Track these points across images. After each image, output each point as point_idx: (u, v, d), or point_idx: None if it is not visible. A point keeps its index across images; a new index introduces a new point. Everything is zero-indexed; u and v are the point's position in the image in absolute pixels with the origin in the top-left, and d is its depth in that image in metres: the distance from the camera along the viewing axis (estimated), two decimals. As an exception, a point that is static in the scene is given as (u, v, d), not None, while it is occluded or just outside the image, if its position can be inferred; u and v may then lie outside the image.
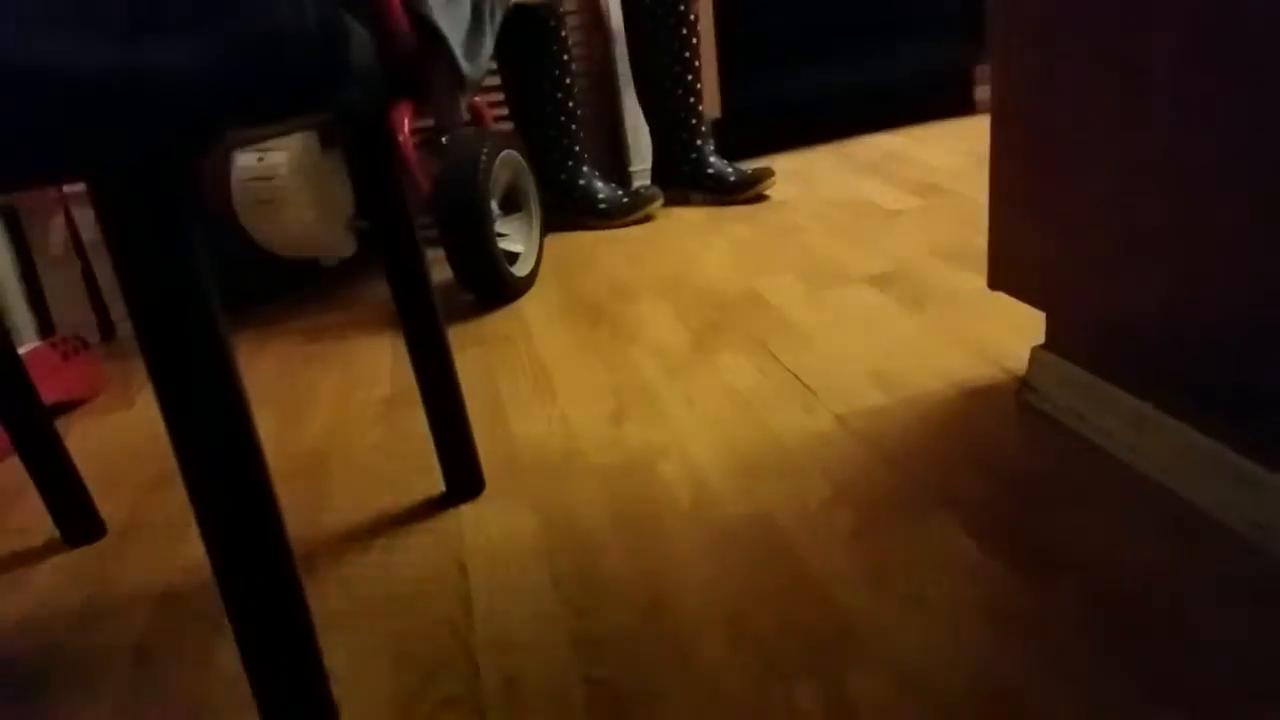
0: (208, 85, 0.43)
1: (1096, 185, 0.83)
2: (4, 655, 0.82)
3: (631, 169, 2.09)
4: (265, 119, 0.52)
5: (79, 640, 0.83)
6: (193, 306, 0.40)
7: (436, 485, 0.99)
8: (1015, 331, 1.15)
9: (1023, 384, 1.01)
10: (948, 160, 1.98)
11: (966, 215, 1.62)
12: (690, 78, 1.88)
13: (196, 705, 0.73)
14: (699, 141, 1.92)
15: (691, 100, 1.89)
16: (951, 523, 0.82)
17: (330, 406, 1.25)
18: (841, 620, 0.72)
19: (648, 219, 1.88)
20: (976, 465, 0.89)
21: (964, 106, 2.40)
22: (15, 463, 1.19)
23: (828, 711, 0.64)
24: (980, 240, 1.49)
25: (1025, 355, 1.00)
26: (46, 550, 0.98)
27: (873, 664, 0.67)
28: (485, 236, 1.44)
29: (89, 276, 1.61)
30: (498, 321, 1.46)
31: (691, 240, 1.72)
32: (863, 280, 1.40)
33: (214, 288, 0.41)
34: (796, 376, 1.13)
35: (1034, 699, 0.62)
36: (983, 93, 2.35)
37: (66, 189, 1.54)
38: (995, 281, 1.02)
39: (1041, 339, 0.98)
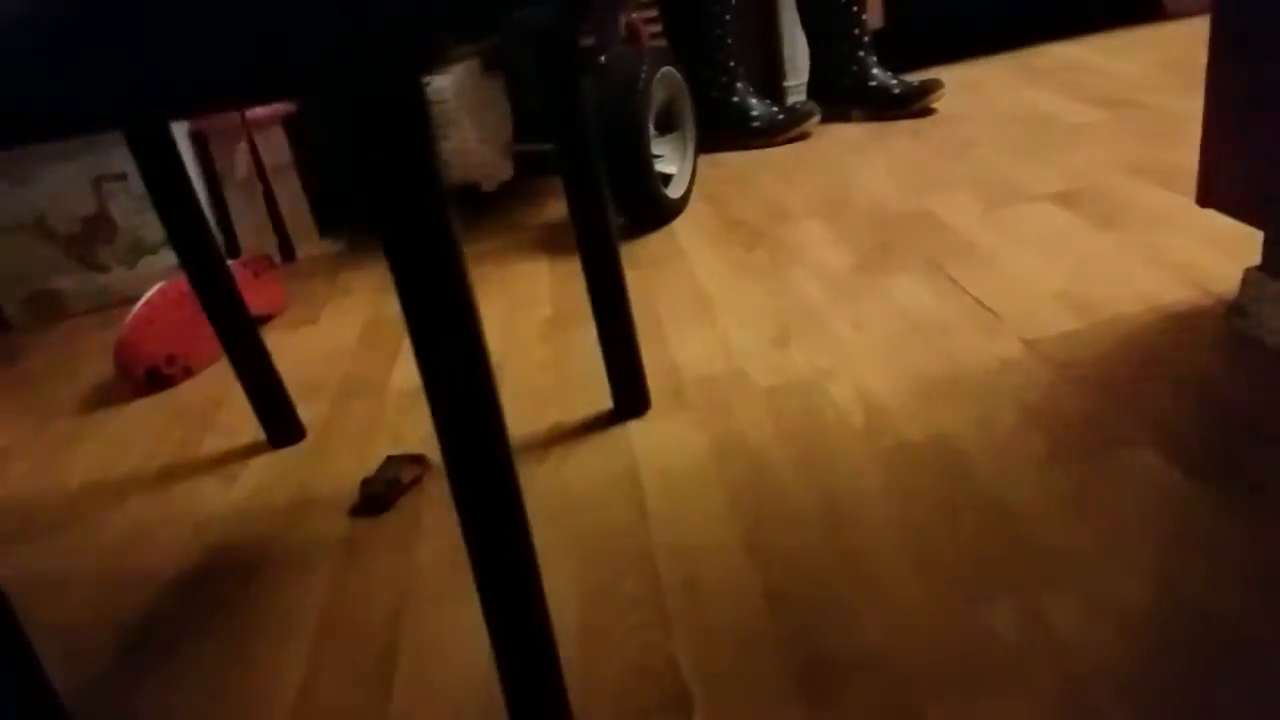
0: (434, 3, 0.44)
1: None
2: (223, 543, 0.91)
3: (786, 84, 2.02)
4: (481, 35, 0.53)
5: (289, 532, 0.90)
6: (436, 213, 0.42)
7: (603, 402, 1.01)
8: (1222, 252, 1.06)
9: (1232, 308, 0.93)
10: (1135, 70, 1.82)
11: (1160, 128, 1.49)
12: (852, -16, 1.79)
13: (402, 591, 0.79)
14: (861, 53, 1.83)
15: (854, 8, 1.80)
16: (1155, 451, 0.77)
17: (496, 327, 1.29)
18: (1034, 544, 0.70)
19: (803, 137, 1.82)
20: (1182, 393, 0.84)
21: (1152, 12, 2.19)
22: (217, 370, 1.30)
23: (1025, 634, 0.62)
24: (1176, 155, 1.37)
25: (1235, 278, 0.92)
26: (253, 450, 1.07)
27: (1070, 589, 0.65)
28: (643, 158, 1.43)
29: (270, 200, 1.71)
30: (652, 245, 1.46)
31: (852, 158, 1.66)
32: (1046, 198, 1.32)
33: (450, 195, 0.43)
34: (977, 299, 1.08)
35: (1245, 628, 0.59)
36: (1175, -5, 2.14)
37: (250, 115, 1.62)
38: (1206, 198, 0.93)
39: (1256, 260, 0.90)
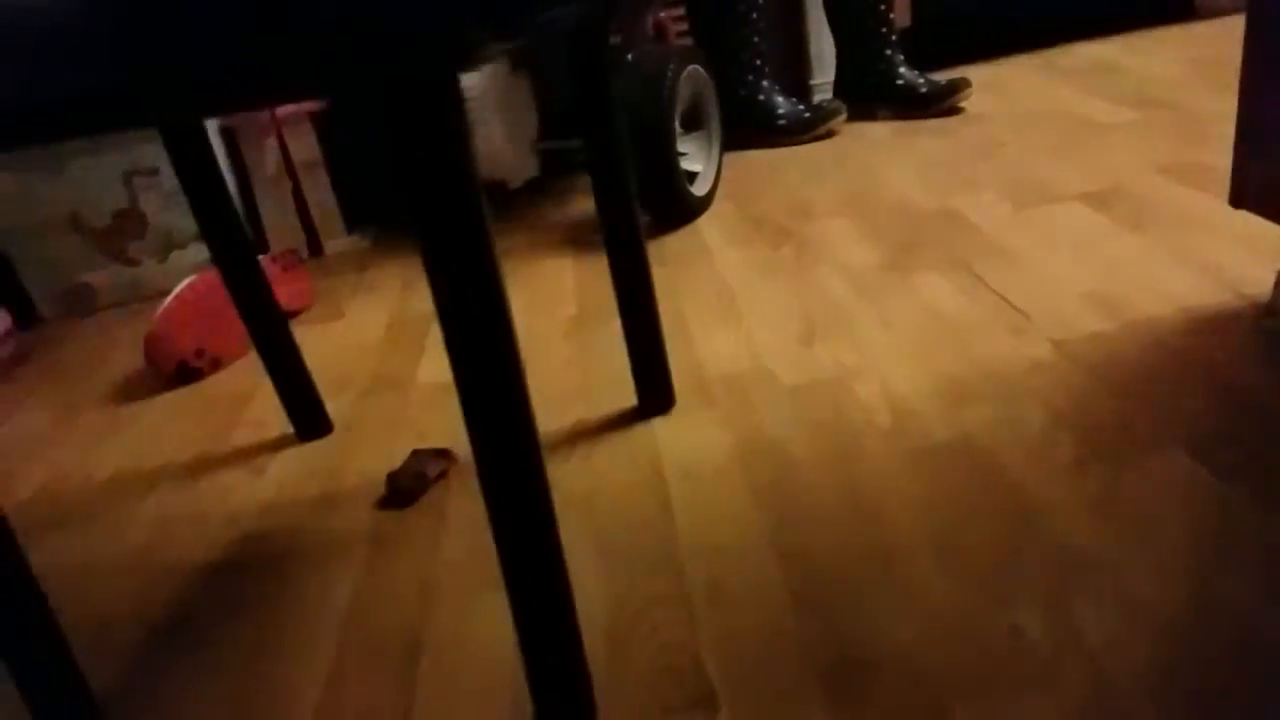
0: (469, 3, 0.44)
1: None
2: (253, 533, 0.92)
3: (813, 82, 2.02)
4: (515, 34, 0.53)
5: (316, 524, 0.91)
6: (470, 209, 0.43)
7: (628, 399, 1.02)
8: (1254, 254, 1.04)
9: (1264, 310, 0.92)
10: (1166, 70, 1.80)
11: (1191, 129, 1.47)
12: (880, -18, 1.78)
13: (428, 584, 0.79)
14: (888, 51, 1.82)
15: (881, 7, 1.79)
16: (1187, 454, 0.76)
17: (521, 324, 1.29)
18: (1064, 547, 0.69)
19: (829, 135, 1.82)
20: (1213, 395, 0.83)
21: (1182, 11, 2.16)
22: (245, 364, 1.31)
23: (1052, 635, 0.62)
24: (1208, 156, 1.35)
25: (1267, 280, 0.91)
26: (281, 443, 1.08)
27: (1099, 591, 0.64)
28: (669, 156, 1.43)
29: (299, 196, 1.72)
30: (676, 242, 1.46)
31: (878, 156, 1.65)
32: (1075, 198, 1.31)
33: (482, 192, 0.43)
34: (1005, 299, 1.08)
35: (1276, 632, 0.58)
36: (1207, -7, 2.11)
37: (279, 112, 1.64)
38: (1238, 199, 0.92)
39: (1291, 262, 0.89)
